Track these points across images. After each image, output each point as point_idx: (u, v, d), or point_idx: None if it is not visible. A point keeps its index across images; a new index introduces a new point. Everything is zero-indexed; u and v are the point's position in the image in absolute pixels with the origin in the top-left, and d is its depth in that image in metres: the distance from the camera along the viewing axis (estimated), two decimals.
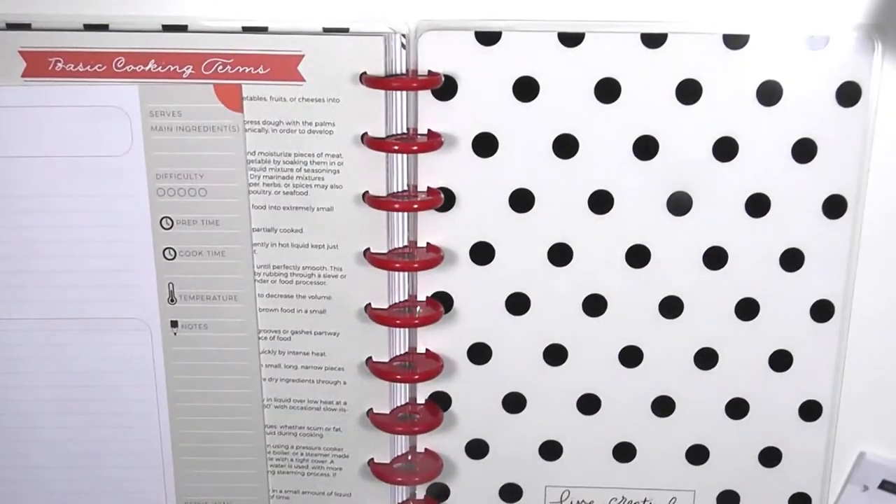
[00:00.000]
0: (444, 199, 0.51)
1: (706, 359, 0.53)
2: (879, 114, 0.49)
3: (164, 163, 0.51)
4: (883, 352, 0.52)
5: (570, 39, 0.49)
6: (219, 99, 0.50)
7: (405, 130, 0.50)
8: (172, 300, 0.53)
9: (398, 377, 0.53)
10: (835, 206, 0.50)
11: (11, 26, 0.50)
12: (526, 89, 0.49)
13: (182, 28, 0.50)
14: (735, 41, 0.48)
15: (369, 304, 0.52)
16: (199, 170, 0.51)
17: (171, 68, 0.50)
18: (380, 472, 0.54)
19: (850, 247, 0.51)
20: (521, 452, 0.55)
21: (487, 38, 0.49)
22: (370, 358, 0.53)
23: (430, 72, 0.49)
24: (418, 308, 0.53)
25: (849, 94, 0.48)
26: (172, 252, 0.52)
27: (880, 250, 0.51)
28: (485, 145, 0.50)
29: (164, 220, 0.52)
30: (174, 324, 0.53)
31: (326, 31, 0.50)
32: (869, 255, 0.51)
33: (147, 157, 0.51)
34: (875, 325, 0.52)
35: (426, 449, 0.55)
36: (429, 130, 0.50)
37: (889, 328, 0.52)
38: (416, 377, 0.53)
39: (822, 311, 0.52)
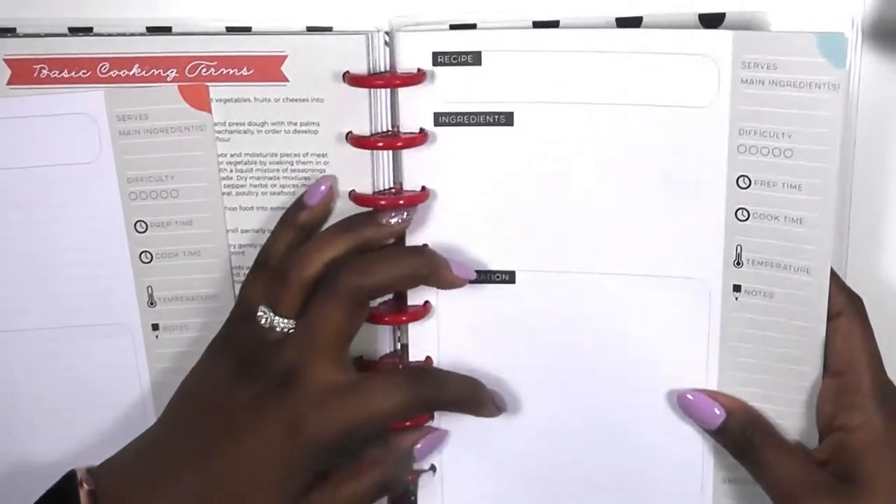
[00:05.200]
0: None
1: None
2: (861, 98, 0.49)
3: (135, 166, 0.51)
4: None
5: (545, 27, 0.49)
6: (184, 99, 0.50)
7: (388, 129, 0.50)
8: (152, 303, 0.53)
9: None
10: None
11: None
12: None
13: (166, 30, 0.50)
14: (711, 21, 0.48)
15: None
16: (169, 171, 0.51)
17: (156, 72, 0.50)
18: None
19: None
20: None
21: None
22: (361, 357, 0.53)
23: (419, 69, 0.49)
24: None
25: None
26: (149, 255, 0.52)
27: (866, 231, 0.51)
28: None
29: (139, 223, 0.52)
30: (155, 327, 0.53)
31: (310, 29, 0.50)
32: (856, 237, 0.50)
33: (117, 161, 0.51)
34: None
35: None
36: (420, 129, 0.50)
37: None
38: None
39: None
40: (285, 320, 0.47)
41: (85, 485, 0.46)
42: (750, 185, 0.47)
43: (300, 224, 0.50)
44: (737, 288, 0.48)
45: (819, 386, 0.48)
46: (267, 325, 0.47)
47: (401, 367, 0.52)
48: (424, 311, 0.51)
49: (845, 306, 0.47)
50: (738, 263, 0.48)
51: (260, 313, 0.48)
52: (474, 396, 0.49)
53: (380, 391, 0.46)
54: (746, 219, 0.47)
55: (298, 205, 0.50)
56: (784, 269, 0.47)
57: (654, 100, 0.47)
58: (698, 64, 0.46)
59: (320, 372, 0.46)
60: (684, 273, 0.49)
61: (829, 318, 0.47)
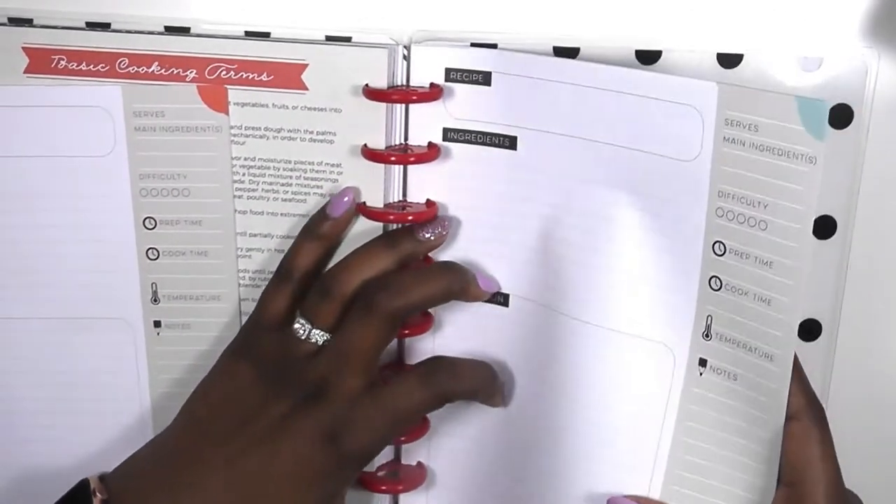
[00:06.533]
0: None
1: None
2: (871, 137, 0.49)
3: (148, 163, 0.51)
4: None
5: (565, 54, 0.49)
6: (203, 100, 0.51)
7: (402, 143, 0.51)
8: (156, 300, 0.53)
9: None
10: (825, 227, 0.50)
11: (14, 21, 0.50)
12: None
13: (185, 30, 0.50)
14: (729, 61, 0.48)
15: None
16: (182, 170, 0.51)
17: (175, 71, 0.50)
18: (364, 480, 0.53)
19: (838, 267, 0.50)
20: None
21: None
22: None
23: (432, 84, 0.50)
24: None
25: (841, 117, 0.48)
26: (155, 252, 0.52)
27: (868, 270, 0.51)
28: None
29: (147, 220, 0.52)
30: (157, 324, 0.53)
31: (329, 39, 0.50)
32: (857, 275, 0.51)
33: (130, 157, 0.51)
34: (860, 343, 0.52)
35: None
36: (429, 143, 0.51)
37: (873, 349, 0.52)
38: None
39: (808, 331, 0.51)
40: (322, 333, 0.48)
41: (98, 494, 0.46)
42: (725, 252, 0.44)
43: (322, 235, 0.50)
44: (703, 362, 0.46)
45: (773, 487, 0.45)
46: (303, 337, 0.48)
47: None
48: (427, 323, 0.52)
49: (803, 408, 0.44)
50: (707, 336, 0.46)
51: (297, 325, 0.48)
52: (488, 382, 0.49)
53: (402, 393, 0.46)
54: (719, 288, 0.44)
55: (321, 215, 0.50)
56: (749, 352, 0.44)
57: (643, 146, 0.46)
58: (685, 115, 0.44)
59: (351, 386, 0.46)
60: (654, 335, 0.47)
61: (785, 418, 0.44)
